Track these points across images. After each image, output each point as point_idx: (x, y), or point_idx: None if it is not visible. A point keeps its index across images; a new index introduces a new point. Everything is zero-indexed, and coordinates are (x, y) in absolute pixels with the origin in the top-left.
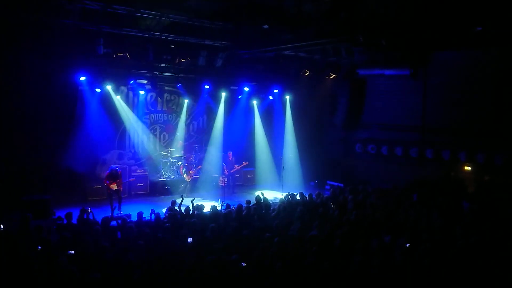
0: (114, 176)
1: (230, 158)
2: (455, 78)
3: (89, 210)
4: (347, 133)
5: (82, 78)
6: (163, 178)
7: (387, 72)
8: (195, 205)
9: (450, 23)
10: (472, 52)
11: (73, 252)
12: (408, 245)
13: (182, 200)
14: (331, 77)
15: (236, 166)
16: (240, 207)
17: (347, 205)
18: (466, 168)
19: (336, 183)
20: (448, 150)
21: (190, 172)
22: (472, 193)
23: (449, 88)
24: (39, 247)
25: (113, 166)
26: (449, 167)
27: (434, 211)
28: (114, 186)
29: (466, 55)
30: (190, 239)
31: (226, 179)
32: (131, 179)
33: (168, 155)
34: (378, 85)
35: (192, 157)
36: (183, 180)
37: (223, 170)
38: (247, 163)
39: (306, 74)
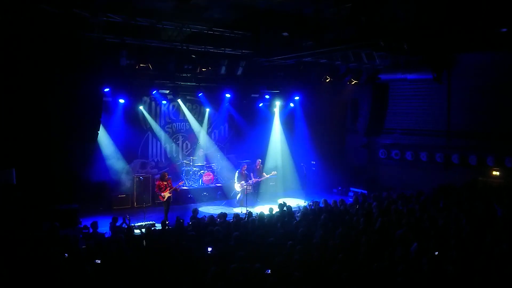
0: (163, 182)
1: (258, 167)
2: (480, 80)
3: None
4: (370, 139)
5: (106, 89)
6: (186, 186)
7: (410, 76)
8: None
9: (474, 24)
10: (497, 54)
11: (99, 261)
12: (436, 253)
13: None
14: (353, 82)
15: (265, 174)
16: (262, 215)
17: (372, 212)
18: (494, 173)
19: (359, 190)
20: (475, 154)
21: (242, 182)
22: (501, 199)
23: (475, 91)
24: (66, 255)
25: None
26: (476, 172)
27: (462, 218)
28: (166, 194)
29: (491, 57)
30: (209, 249)
31: (251, 188)
32: (180, 182)
33: (191, 163)
34: (400, 89)
35: (245, 167)
36: (206, 189)
37: (249, 178)
38: (276, 172)
39: (327, 80)
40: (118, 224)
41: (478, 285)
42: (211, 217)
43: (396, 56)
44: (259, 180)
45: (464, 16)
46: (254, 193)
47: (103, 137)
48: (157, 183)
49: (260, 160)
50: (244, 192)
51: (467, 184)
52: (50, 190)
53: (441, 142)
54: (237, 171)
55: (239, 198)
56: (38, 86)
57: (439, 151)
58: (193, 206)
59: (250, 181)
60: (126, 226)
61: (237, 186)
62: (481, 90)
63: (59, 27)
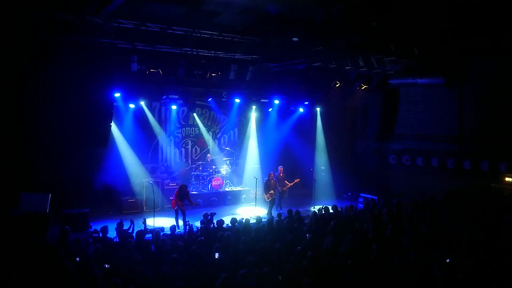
0: (182, 195)
1: (281, 175)
2: (492, 85)
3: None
4: (380, 144)
5: (117, 95)
6: (196, 191)
7: (420, 81)
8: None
9: (486, 29)
10: (510, 59)
11: (107, 266)
12: (448, 260)
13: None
14: (363, 87)
15: (287, 183)
16: (271, 220)
17: (382, 219)
18: (507, 179)
19: (369, 196)
20: (487, 160)
21: (271, 192)
22: None
23: (487, 96)
24: (78, 259)
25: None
26: (488, 178)
27: (474, 225)
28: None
29: (503, 62)
30: (217, 255)
31: (275, 196)
32: (196, 203)
33: (200, 168)
34: (411, 94)
35: (272, 175)
36: (215, 194)
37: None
38: (299, 180)
39: (337, 85)
40: (125, 228)
41: None
42: (221, 222)
43: (407, 61)
44: (284, 188)
45: (476, 21)
46: (278, 201)
47: (114, 141)
48: (176, 192)
49: (282, 168)
50: (273, 202)
51: (479, 191)
52: (61, 194)
53: (452, 148)
54: (265, 180)
55: (269, 208)
56: (50, 91)
57: (450, 157)
58: (202, 210)
59: (276, 190)
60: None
61: (266, 196)
62: (493, 95)
63: (72, 33)
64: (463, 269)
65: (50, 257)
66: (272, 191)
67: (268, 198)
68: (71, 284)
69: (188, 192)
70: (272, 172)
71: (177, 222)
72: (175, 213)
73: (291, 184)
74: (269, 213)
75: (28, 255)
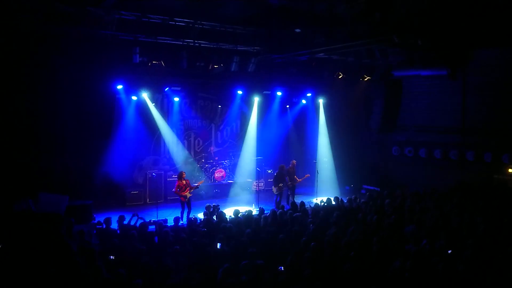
0: (182, 181)
1: (292, 169)
2: (496, 77)
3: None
4: (383, 136)
5: (119, 87)
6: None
7: (424, 72)
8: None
9: (491, 19)
10: None
11: (113, 257)
12: (450, 251)
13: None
14: (366, 79)
15: (297, 178)
16: (274, 212)
17: (384, 210)
18: (510, 170)
19: (372, 187)
20: (490, 152)
21: (280, 185)
22: None
23: (491, 87)
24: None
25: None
26: (491, 169)
27: (477, 216)
28: (187, 194)
29: (507, 53)
30: (218, 245)
31: (284, 189)
32: (198, 183)
33: (202, 160)
34: (414, 86)
35: (283, 167)
36: (218, 186)
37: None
38: (309, 175)
39: (340, 76)
40: (125, 222)
41: (491, 285)
42: (221, 214)
43: (410, 52)
44: (295, 183)
45: (480, 11)
46: (288, 195)
47: (116, 133)
48: (176, 183)
49: (295, 162)
50: (281, 195)
51: (482, 182)
52: (64, 186)
53: (455, 139)
54: (276, 172)
55: (276, 200)
56: (52, 83)
57: (453, 148)
58: (205, 202)
59: (284, 184)
60: (137, 222)
61: (274, 189)
62: (497, 87)
63: (74, 25)
64: (464, 260)
65: (57, 245)
66: (281, 184)
67: (277, 191)
68: (76, 273)
69: (187, 179)
70: (283, 164)
71: (181, 215)
72: (181, 206)
73: (301, 179)
74: (276, 205)
75: (33, 243)
